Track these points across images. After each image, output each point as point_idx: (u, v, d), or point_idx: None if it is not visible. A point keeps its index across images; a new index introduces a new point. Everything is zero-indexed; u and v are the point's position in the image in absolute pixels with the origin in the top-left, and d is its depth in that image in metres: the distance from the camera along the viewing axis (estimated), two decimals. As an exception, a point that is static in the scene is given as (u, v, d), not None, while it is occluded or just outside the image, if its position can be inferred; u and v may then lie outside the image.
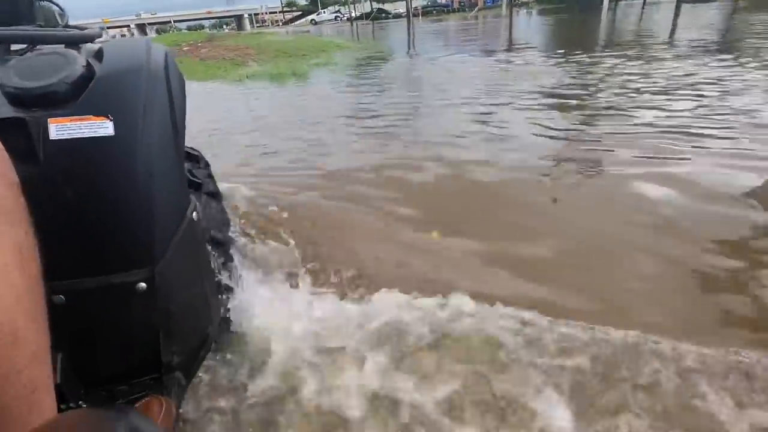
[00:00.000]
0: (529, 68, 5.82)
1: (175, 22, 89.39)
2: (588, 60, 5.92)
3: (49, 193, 0.54)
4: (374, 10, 48.49)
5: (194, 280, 0.79)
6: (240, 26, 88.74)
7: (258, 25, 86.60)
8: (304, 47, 10.02)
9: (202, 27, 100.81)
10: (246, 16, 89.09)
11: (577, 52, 6.59)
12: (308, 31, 31.48)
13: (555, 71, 5.27)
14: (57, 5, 0.83)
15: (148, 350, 0.67)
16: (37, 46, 0.70)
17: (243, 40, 22.75)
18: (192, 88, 5.67)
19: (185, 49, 16.47)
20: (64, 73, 0.55)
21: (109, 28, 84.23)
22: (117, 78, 0.60)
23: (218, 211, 1.14)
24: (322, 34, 29.13)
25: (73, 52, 0.60)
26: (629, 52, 6.27)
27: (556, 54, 6.83)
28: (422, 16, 34.79)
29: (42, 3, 0.77)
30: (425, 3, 49.86)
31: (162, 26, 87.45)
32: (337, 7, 63.08)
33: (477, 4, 49.76)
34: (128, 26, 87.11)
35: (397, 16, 47.00)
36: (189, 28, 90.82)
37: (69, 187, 0.54)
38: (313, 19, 59.59)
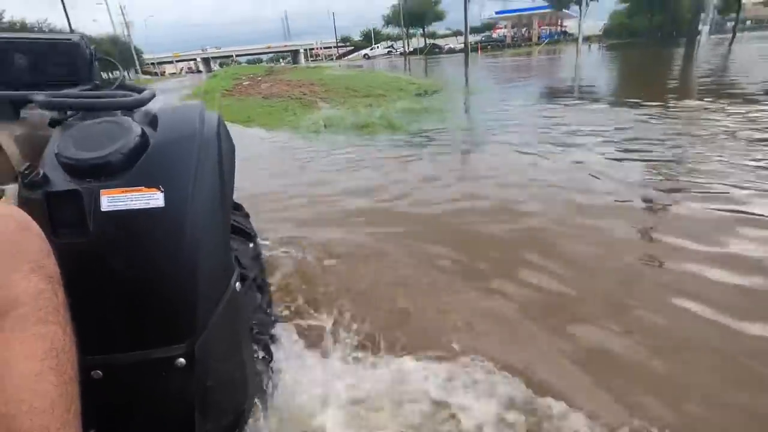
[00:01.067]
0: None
1: (236, 56, 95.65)
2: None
3: (94, 266, 0.54)
4: (428, 45, 48.72)
5: (234, 353, 0.75)
6: (295, 60, 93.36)
7: (312, 59, 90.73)
8: (374, 84, 9.09)
9: (261, 60, 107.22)
10: (302, 50, 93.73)
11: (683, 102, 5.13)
12: (361, 66, 31.56)
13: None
14: (114, 62, 0.80)
15: (181, 427, 0.65)
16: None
17: (302, 74, 22.74)
18: (257, 140, 4.70)
19: (246, 83, 16.42)
20: (119, 143, 0.56)
21: (178, 61, 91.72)
22: (170, 147, 0.60)
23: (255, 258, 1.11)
24: (374, 68, 29.04)
25: (129, 120, 0.60)
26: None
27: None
28: (480, 51, 34.07)
29: (100, 61, 0.75)
30: (480, 38, 49.51)
31: (224, 59, 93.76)
32: (390, 42, 64.50)
33: (531, 39, 48.74)
34: (195, 59, 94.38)
35: (451, 51, 46.80)
36: (249, 62, 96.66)
37: (114, 260, 0.55)
38: (366, 54, 60.93)
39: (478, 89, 8.37)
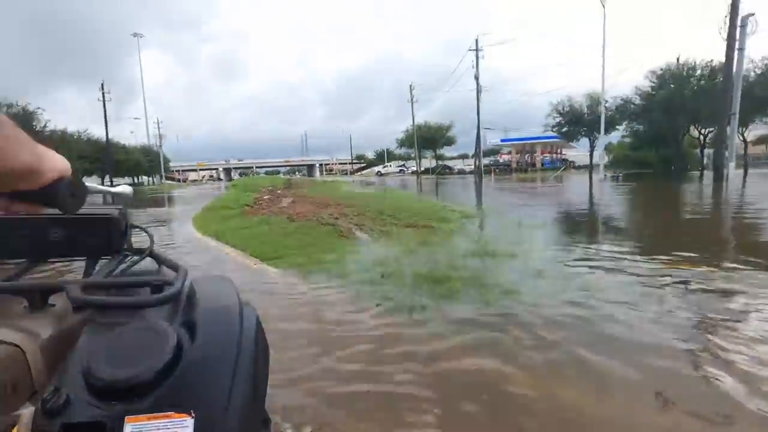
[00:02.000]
0: None
1: (256, 167, 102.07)
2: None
3: None
4: (440, 165, 51.36)
5: None
6: (310, 173, 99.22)
7: (326, 172, 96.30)
8: (406, 208, 8.45)
9: (278, 172, 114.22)
10: (317, 165, 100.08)
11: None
12: (374, 182, 32.58)
13: None
14: (146, 231, 0.80)
15: None
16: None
17: (321, 188, 23.14)
18: (297, 301, 3.43)
19: (266, 197, 16.28)
20: (153, 358, 0.53)
21: (201, 169, 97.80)
22: (206, 362, 0.57)
23: None
24: (391, 186, 29.76)
25: (165, 327, 0.58)
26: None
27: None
28: (494, 174, 35.30)
29: (134, 230, 0.77)
30: (487, 161, 52.32)
31: (245, 170, 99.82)
32: (401, 162, 68.60)
33: (534, 165, 51.60)
34: (216, 169, 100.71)
35: (462, 172, 49.09)
36: (267, 173, 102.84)
37: None
38: (379, 171, 64.17)
39: (524, 223, 7.45)
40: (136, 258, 0.74)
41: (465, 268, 4.05)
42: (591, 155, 30.82)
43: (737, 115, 15.20)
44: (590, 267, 4.06)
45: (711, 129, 25.21)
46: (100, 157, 38.18)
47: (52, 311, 0.61)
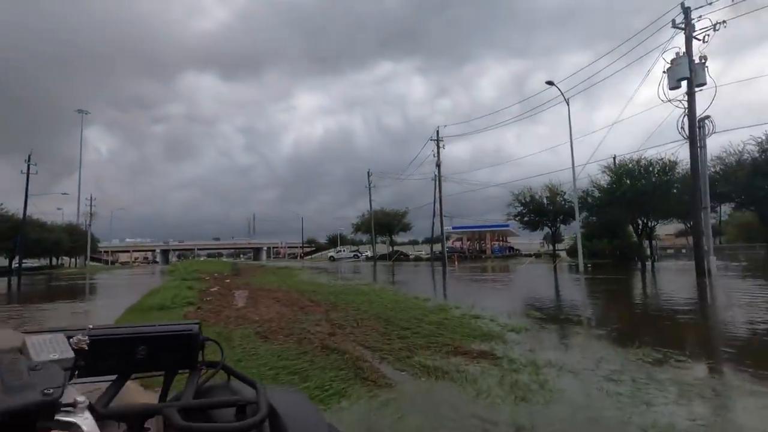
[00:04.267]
0: None
1: (198, 249, 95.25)
2: None
3: None
4: (396, 252, 50.18)
5: None
6: (257, 257, 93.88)
7: (273, 256, 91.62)
8: (423, 315, 6.26)
9: (221, 255, 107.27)
10: (264, 248, 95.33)
11: None
12: (327, 268, 30.00)
13: None
14: (219, 345, 0.79)
15: None
16: None
17: (274, 277, 20.21)
18: None
19: (214, 290, 13.34)
20: None
21: (135, 251, 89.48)
22: None
23: None
24: (338, 270, 27.16)
25: None
26: None
27: None
28: (457, 262, 34.19)
29: (208, 342, 0.75)
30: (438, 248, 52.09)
31: (184, 252, 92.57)
32: (355, 247, 66.80)
33: (484, 252, 52.37)
34: (153, 250, 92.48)
35: (418, 258, 48.04)
36: (209, 256, 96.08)
37: None
38: (332, 256, 61.74)
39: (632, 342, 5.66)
40: (210, 371, 0.73)
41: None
42: (553, 245, 31.06)
43: (708, 209, 15.54)
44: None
45: (656, 222, 26.55)
46: (12, 235, 32.88)
47: None
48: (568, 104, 20.42)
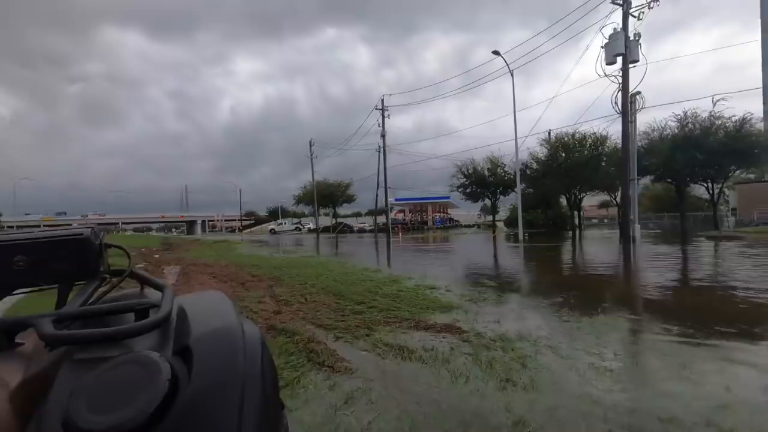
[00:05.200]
0: None
1: (123, 223, 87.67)
2: None
3: None
4: (339, 224, 49.52)
5: None
6: (190, 230, 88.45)
7: (210, 230, 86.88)
8: (376, 287, 5.85)
9: (150, 229, 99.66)
10: (199, 222, 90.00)
11: None
12: (268, 241, 28.84)
13: None
14: (125, 251, 0.74)
15: None
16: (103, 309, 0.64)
17: (212, 251, 18.83)
18: None
19: (138, 266, 11.88)
20: (144, 398, 0.46)
21: (47, 225, 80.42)
22: (208, 394, 0.50)
23: None
24: (280, 243, 26.30)
25: (155, 357, 0.50)
26: None
27: None
28: (400, 232, 34.43)
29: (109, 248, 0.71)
30: (385, 220, 52.36)
31: (108, 226, 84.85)
32: (297, 219, 65.01)
33: (426, 223, 53.73)
34: (70, 225, 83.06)
35: (362, 231, 47.81)
36: (136, 230, 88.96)
37: None
38: (272, 228, 59.72)
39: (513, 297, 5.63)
40: (114, 280, 0.67)
41: None
42: (493, 216, 32.16)
43: (636, 181, 16.68)
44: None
45: (585, 193, 28.46)
46: None
47: (20, 352, 0.57)
48: (512, 75, 20.57)
